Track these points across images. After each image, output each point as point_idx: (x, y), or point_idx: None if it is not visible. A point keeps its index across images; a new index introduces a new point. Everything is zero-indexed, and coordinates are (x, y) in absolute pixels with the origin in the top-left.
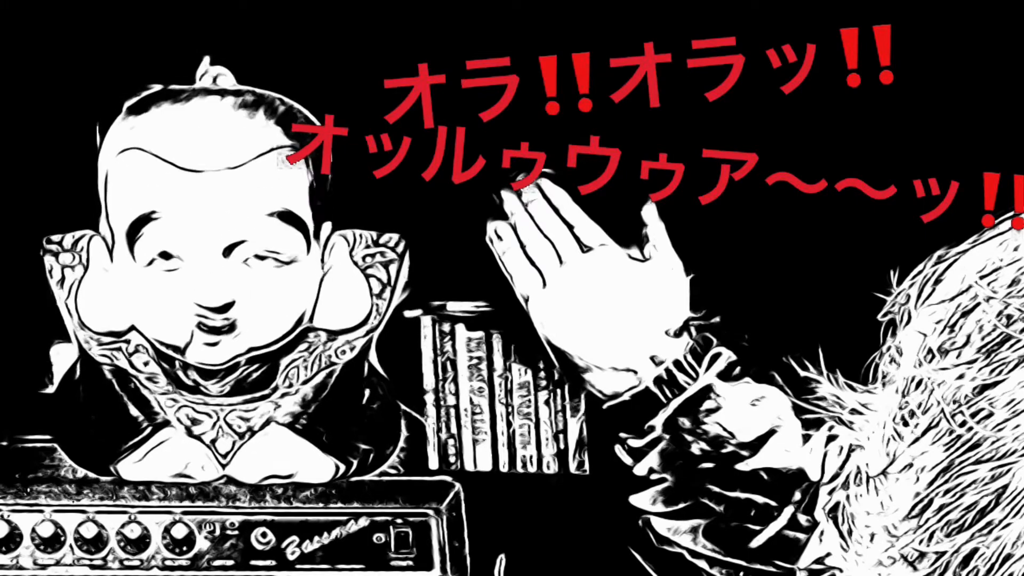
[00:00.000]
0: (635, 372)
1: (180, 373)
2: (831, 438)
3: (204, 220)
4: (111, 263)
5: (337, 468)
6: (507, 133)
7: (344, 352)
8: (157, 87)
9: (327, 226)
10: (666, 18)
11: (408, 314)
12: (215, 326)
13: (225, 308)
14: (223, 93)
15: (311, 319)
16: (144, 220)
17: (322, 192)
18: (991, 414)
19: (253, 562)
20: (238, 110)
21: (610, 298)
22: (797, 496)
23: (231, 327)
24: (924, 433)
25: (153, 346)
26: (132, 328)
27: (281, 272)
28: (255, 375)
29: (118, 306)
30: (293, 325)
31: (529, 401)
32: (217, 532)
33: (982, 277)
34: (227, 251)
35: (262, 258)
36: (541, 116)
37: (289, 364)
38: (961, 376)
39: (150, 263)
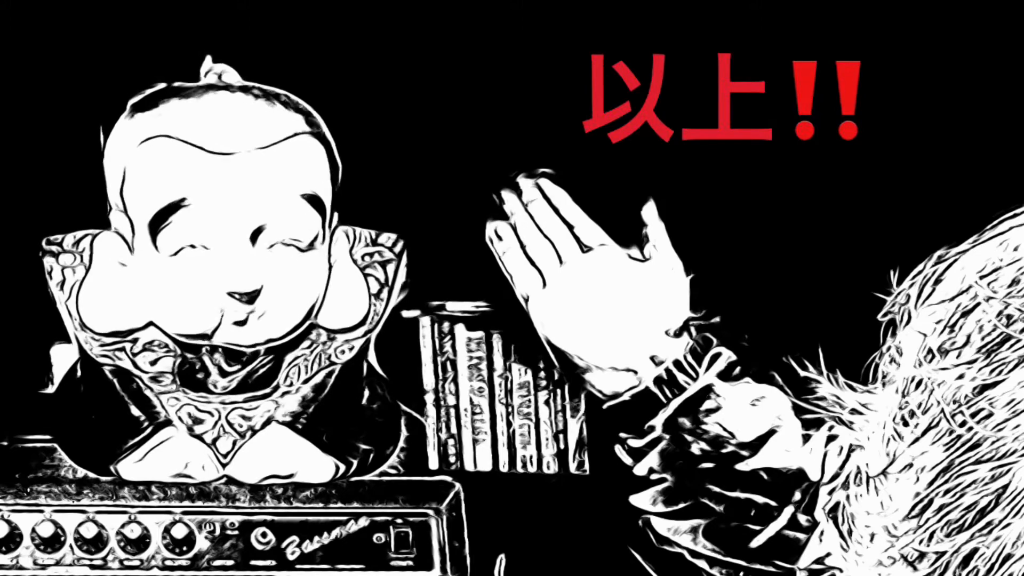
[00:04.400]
0: (635, 372)
1: (207, 358)
2: (831, 438)
3: (236, 204)
4: (131, 256)
5: (337, 468)
6: (505, 132)
7: (343, 352)
8: (162, 85)
9: (335, 216)
10: (666, 19)
11: (406, 314)
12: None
13: (254, 295)
14: (231, 88)
15: (318, 313)
16: (173, 208)
17: (336, 180)
18: (991, 414)
19: (253, 562)
20: (256, 100)
21: (610, 298)
22: (797, 496)
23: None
24: (924, 433)
25: (173, 339)
26: (149, 324)
27: (301, 260)
28: (261, 371)
29: (134, 302)
30: (305, 315)
31: (529, 401)
32: (217, 532)
33: (982, 277)
34: (253, 237)
35: (286, 244)
36: (541, 116)
37: (292, 361)
38: (961, 376)
39: (177, 252)
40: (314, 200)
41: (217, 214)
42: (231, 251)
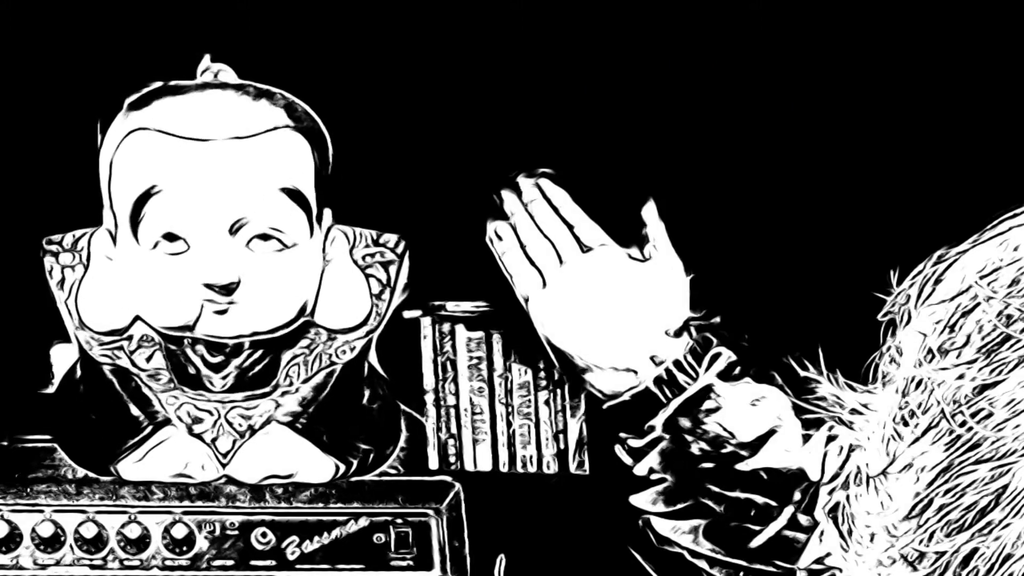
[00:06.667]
0: (635, 372)
1: (189, 351)
2: (831, 438)
3: (210, 192)
4: (114, 249)
5: (337, 468)
6: (505, 132)
7: (344, 352)
8: (158, 84)
9: (328, 213)
10: (666, 19)
11: (407, 314)
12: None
13: (232, 287)
14: (225, 87)
15: (312, 312)
16: (146, 197)
17: (324, 176)
18: (991, 414)
19: (253, 562)
20: (240, 95)
21: (610, 298)
22: (797, 496)
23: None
24: (924, 433)
25: (159, 334)
26: (136, 319)
27: (284, 256)
28: (257, 368)
29: (121, 297)
30: (296, 313)
31: (529, 401)
32: (217, 532)
33: (982, 277)
34: (233, 229)
35: (266, 238)
36: (541, 116)
37: (291, 360)
38: (961, 376)
39: (155, 246)
40: (294, 194)
41: (191, 202)
42: (207, 241)
